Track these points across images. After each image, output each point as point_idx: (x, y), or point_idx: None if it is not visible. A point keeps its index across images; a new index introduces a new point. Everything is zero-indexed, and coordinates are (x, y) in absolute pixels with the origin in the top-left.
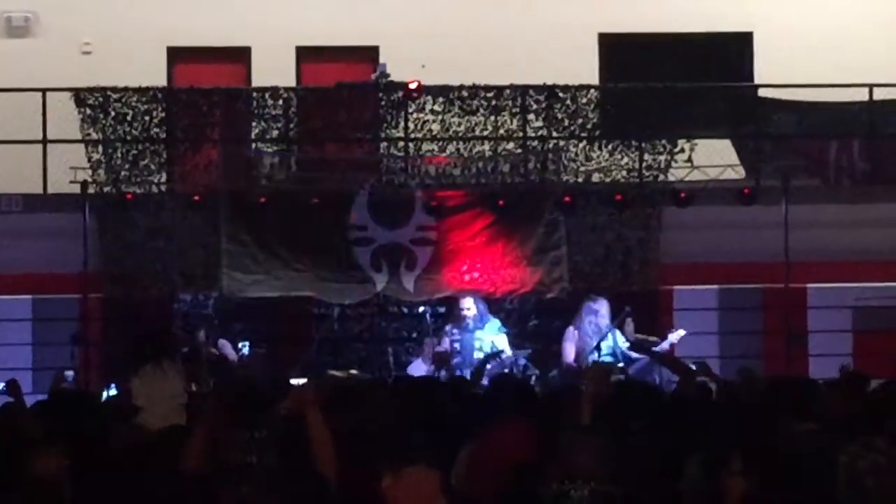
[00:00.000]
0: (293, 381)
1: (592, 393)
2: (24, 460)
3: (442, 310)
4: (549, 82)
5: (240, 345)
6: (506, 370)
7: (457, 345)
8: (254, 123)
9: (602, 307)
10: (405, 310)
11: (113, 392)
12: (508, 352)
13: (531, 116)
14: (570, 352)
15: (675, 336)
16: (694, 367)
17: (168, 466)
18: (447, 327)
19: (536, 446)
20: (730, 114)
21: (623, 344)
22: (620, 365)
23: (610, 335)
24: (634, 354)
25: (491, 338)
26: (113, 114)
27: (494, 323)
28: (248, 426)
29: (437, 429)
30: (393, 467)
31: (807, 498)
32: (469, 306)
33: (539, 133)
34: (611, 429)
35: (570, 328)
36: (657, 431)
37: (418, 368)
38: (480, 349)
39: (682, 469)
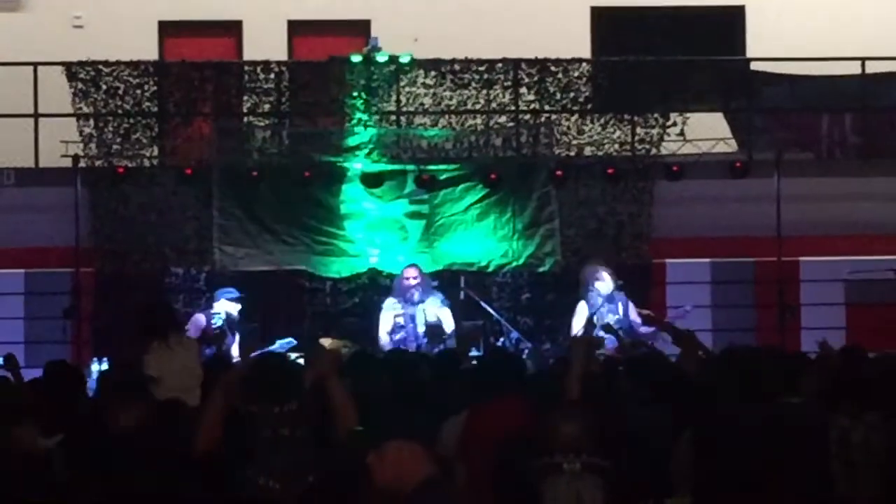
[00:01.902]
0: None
1: (580, 366)
2: (7, 433)
3: (435, 283)
4: (542, 56)
5: (213, 317)
6: (445, 346)
7: (400, 319)
8: (245, 97)
9: (603, 273)
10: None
11: (105, 366)
12: (452, 326)
13: (523, 90)
14: (575, 324)
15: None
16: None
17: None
18: (388, 303)
19: (528, 419)
20: (722, 87)
21: (635, 318)
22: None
23: (620, 305)
24: (644, 329)
25: (435, 311)
26: (104, 88)
27: (437, 295)
28: (275, 400)
29: (426, 402)
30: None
31: (797, 471)
32: (414, 275)
33: (531, 107)
34: (604, 402)
35: (581, 302)
36: (653, 405)
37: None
38: (424, 323)
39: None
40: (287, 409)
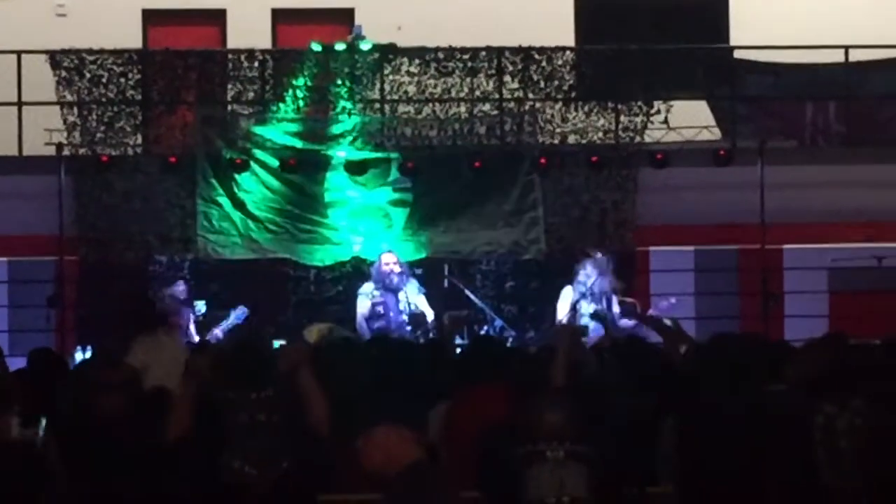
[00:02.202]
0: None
1: (565, 353)
2: None
3: (419, 271)
4: (526, 44)
5: (196, 304)
6: (431, 333)
7: (379, 308)
8: (229, 85)
9: (590, 266)
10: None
11: (88, 355)
12: (430, 314)
13: (507, 78)
14: (560, 309)
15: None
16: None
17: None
18: (365, 288)
19: (512, 407)
20: (706, 75)
21: (615, 310)
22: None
23: (604, 299)
24: (624, 322)
25: (413, 298)
26: (88, 76)
27: (414, 283)
28: (251, 386)
29: (413, 389)
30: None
31: (781, 459)
32: (392, 261)
33: (515, 95)
34: (589, 390)
35: (567, 286)
36: (637, 394)
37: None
38: (404, 311)
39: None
40: (264, 396)
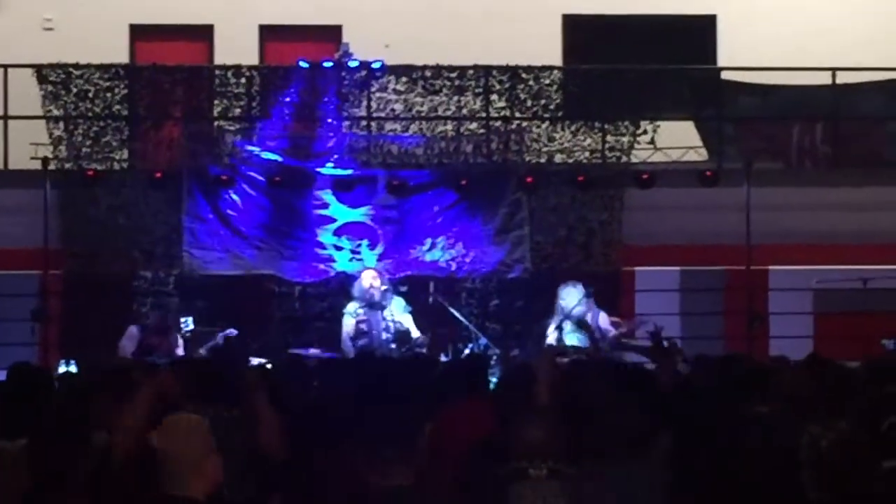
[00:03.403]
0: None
1: (547, 374)
2: None
3: (404, 289)
4: (513, 63)
5: (181, 320)
6: (421, 350)
7: (363, 326)
8: (216, 101)
9: (566, 291)
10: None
11: (72, 368)
12: (416, 333)
13: (494, 97)
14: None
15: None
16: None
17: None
18: (350, 307)
19: (494, 425)
20: (693, 96)
21: (607, 326)
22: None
23: (590, 315)
24: (607, 328)
25: (399, 317)
26: (75, 90)
27: (399, 301)
28: (218, 404)
29: (396, 407)
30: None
31: (766, 478)
32: (373, 277)
33: (502, 113)
34: (572, 409)
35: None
36: (621, 412)
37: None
38: (387, 329)
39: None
40: (226, 416)
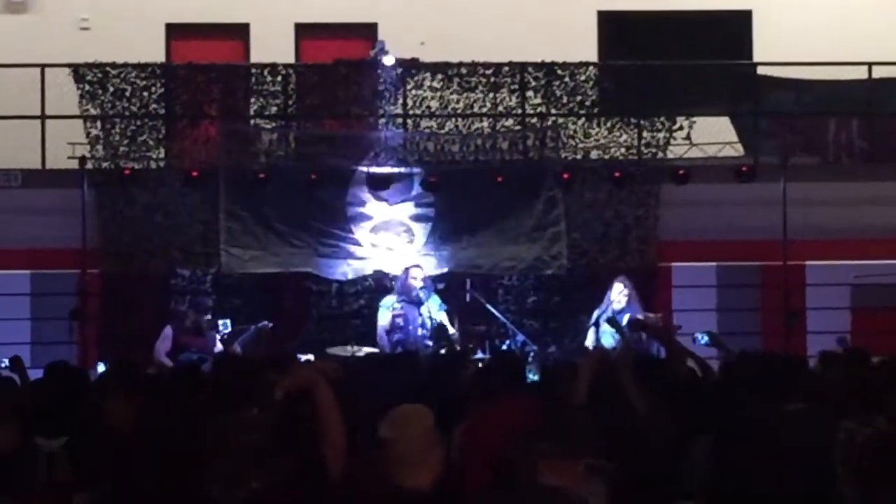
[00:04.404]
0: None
1: (589, 373)
2: None
3: (441, 286)
4: (548, 60)
5: (220, 322)
6: (457, 347)
7: (399, 320)
8: (252, 100)
9: (614, 286)
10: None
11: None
12: (451, 330)
13: (530, 93)
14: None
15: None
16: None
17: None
18: (387, 300)
19: (531, 421)
20: (729, 91)
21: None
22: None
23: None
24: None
25: (435, 313)
26: (111, 90)
27: (436, 298)
28: (249, 403)
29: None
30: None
31: (802, 475)
32: (419, 276)
33: (538, 110)
34: (610, 403)
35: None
36: (658, 408)
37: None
38: (423, 325)
39: (681, 447)
40: (245, 416)
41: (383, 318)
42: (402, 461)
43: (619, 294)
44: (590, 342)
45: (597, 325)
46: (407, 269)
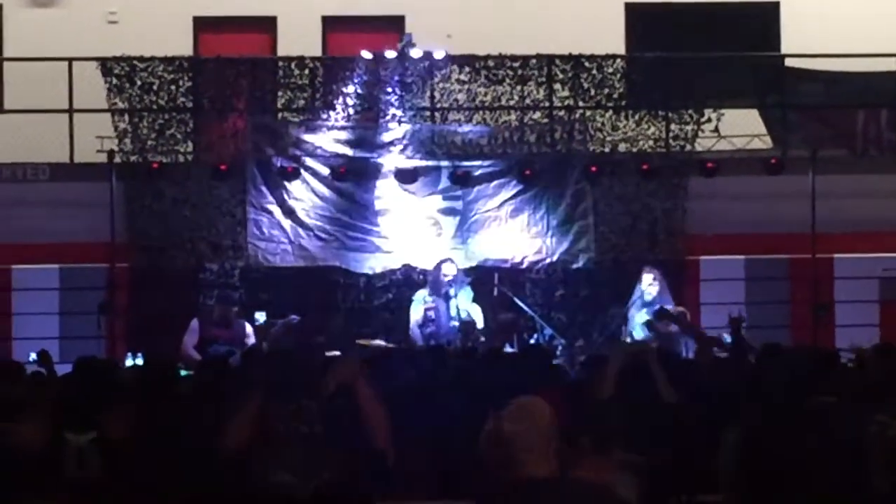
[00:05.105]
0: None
1: (616, 367)
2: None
3: (469, 279)
4: (576, 52)
5: (256, 315)
6: (482, 339)
7: (431, 313)
8: (280, 93)
9: (643, 277)
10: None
11: (139, 361)
12: (480, 323)
13: (557, 86)
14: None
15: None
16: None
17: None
18: (419, 294)
19: (560, 416)
20: (757, 84)
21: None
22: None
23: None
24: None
25: (466, 306)
26: (139, 83)
27: (468, 291)
28: (292, 397)
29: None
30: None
31: (833, 467)
32: (451, 271)
33: (565, 103)
34: (637, 398)
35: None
36: (688, 403)
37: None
38: (455, 318)
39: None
40: (305, 407)
41: (416, 313)
42: (528, 452)
43: (648, 285)
44: (625, 334)
45: (628, 317)
46: (439, 264)
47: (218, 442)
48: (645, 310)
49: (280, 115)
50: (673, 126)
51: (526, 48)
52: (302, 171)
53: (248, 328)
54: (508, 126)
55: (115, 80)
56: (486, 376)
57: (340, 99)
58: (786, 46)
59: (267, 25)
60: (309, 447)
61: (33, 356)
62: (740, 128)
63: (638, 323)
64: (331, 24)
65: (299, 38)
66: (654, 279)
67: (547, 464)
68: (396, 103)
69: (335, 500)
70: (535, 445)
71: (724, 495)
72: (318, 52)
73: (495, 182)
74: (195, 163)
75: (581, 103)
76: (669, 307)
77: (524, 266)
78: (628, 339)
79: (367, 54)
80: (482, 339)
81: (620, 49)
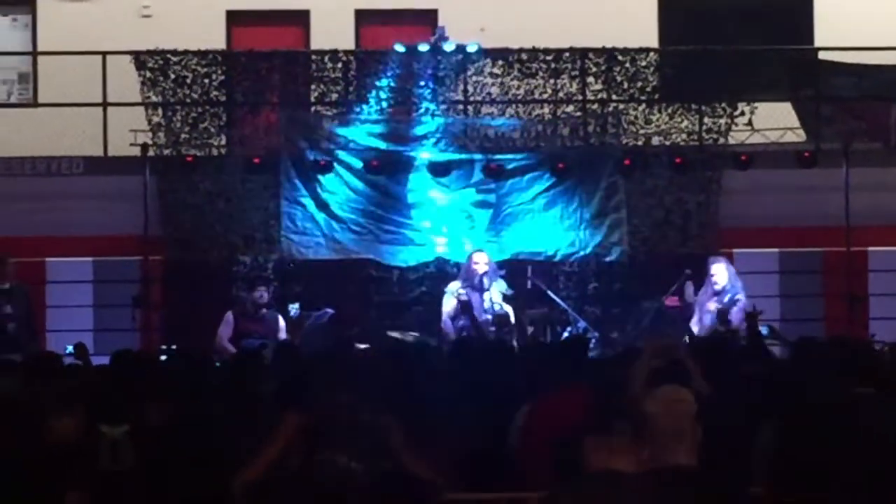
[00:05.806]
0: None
1: (647, 364)
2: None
3: (502, 272)
4: (609, 45)
5: (290, 306)
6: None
7: (464, 296)
8: (313, 86)
9: (713, 267)
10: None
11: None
12: (512, 316)
13: (590, 79)
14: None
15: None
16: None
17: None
18: (452, 286)
19: (591, 411)
20: (790, 77)
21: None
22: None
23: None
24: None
25: (498, 299)
26: (173, 77)
27: (501, 283)
28: (348, 389)
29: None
30: None
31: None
32: (484, 261)
33: (598, 96)
34: None
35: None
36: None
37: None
38: (488, 311)
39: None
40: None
41: (448, 305)
42: (671, 437)
43: (716, 274)
44: (695, 326)
45: (702, 308)
46: (470, 255)
47: (237, 474)
48: (715, 299)
49: (313, 108)
50: (706, 119)
51: (559, 41)
52: (335, 164)
53: (281, 321)
54: (541, 119)
55: (148, 74)
56: (523, 369)
57: (374, 92)
58: (819, 40)
59: (300, 19)
60: (372, 435)
61: (70, 349)
62: (774, 121)
63: (708, 311)
64: (364, 18)
65: (332, 32)
66: (726, 269)
67: (686, 452)
68: (429, 97)
69: (401, 487)
70: (680, 429)
71: (759, 488)
72: (351, 46)
73: (528, 175)
74: (228, 156)
75: (614, 97)
76: (741, 295)
77: (557, 259)
78: (695, 328)
79: (400, 47)
80: (512, 331)
81: (654, 42)
